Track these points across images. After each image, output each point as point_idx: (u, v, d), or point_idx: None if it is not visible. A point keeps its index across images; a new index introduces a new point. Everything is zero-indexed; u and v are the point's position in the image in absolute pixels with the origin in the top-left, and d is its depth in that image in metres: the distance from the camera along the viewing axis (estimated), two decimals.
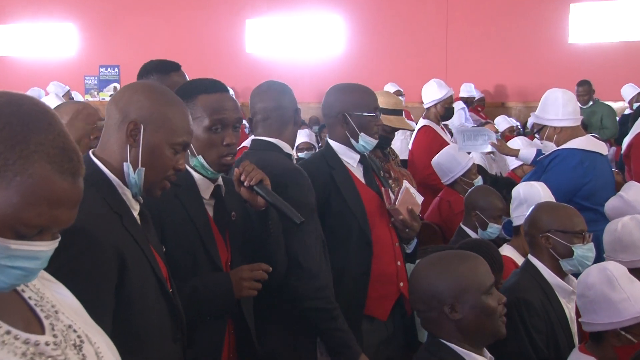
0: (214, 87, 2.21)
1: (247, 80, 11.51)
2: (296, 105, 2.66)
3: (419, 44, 10.39)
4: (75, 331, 1.23)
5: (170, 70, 2.98)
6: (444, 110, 5.65)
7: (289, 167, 2.51)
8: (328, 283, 2.53)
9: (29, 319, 1.18)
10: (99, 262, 1.64)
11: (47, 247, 1.12)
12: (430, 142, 5.44)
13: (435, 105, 5.63)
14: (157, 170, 1.79)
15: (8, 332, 1.11)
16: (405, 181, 3.04)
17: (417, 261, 2.26)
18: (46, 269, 1.18)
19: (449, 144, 5.40)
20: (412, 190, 2.91)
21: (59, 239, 1.14)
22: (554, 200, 3.35)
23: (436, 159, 4.80)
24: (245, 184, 2.16)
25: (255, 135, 2.64)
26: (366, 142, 2.82)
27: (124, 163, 1.78)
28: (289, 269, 2.34)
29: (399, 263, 2.84)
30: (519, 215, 3.42)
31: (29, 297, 1.21)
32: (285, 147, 2.58)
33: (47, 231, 1.11)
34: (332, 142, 2.88)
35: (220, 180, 2.22)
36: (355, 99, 2.84)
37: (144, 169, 1.77)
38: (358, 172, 2.87)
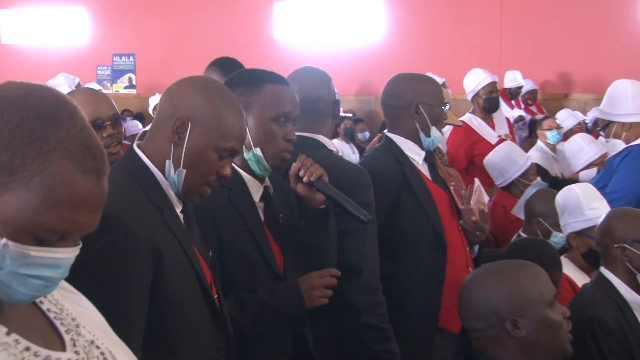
0: (280, 79, 2.27)
1: (276, 70, 11.51)
2: (336, 96, 2.67)
3: (468, 29, 10.31)
4: (98, 347, 1.24)
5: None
6: (484, 102, 5.61)
7: (347, 167, 2.52)
8: (384, 300, 2.52)
9: (48, 334, 1.19)
10: (132, 255, 1.68)
11: (68, 255, 1.13)
12: (461, 139, 5.44)
13: (474, 96, 5.62)
14: (198, 173, 1.83)
15: (27, 349, 1.12)
16: (476, 179, 3.06)
17: (472, 272, 2.25)
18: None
19: (487, 141, 5.38)
20: (482, 189, 2.93)
21: (80, 246, 1.15)
22: (601, 202, 3.30)
23: (490, 158, 4.77)
24: (304, 179, 2.19)
25: None
26: (436, 136, 2.85)
27: (166, 160, 1.83)
28: (344, 276, 2.36)
29: (470, 269, 2.85)
30: (564, 224, 3.38)
31: (48, 310, 1.23)
32: (328, 143, 2.59)
33: (69, 237, 1.12)
34: (394, 137, 2.89)
35: (267, 181, 2.26)
36: (429, 89, 2.88)
37: (185, 170, 1.82)
38: (424, 169, 2.89)
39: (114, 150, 2.65)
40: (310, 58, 10.37)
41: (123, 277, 1.66)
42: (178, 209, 1.86)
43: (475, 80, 5.59)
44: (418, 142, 2.86)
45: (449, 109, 4.17)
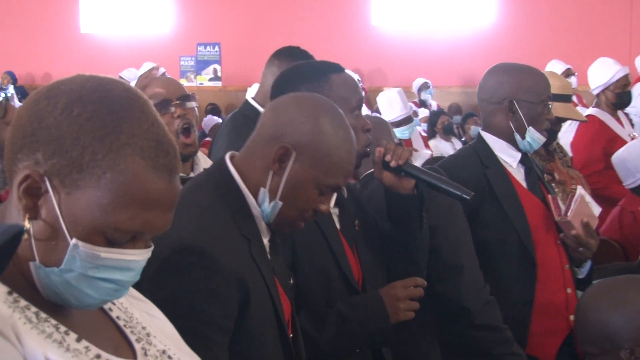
0: (339, 67, 2.26)
1: (373, 60, 11.50)
2: None
3: (592, 11, 10.05)
4: (170, 357, 1.27)
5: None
6: (615, 97, 5.46)
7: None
8: (493, 299, 2.51)
9: (118, 342, 1.23)
10: (218, 295, 1.68)
11: (140, 257, 1.16)
12: (593, 136, 5.28)
13: (603, 90, 5.47)
14: (295, 208, 1.81)
15: (98, 357, 1.15)
16: (579, 187, 2.95)
17: (590, 286, 2.20)
18: (149, 296, 1.22)
19: (623, 138, 5.21)
20: (588, 198, 2.83)
21: (152, 248, 1.18)
22: None
23: (619, 155, 4.62)
24: (392, 164, 2.15)
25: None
26: (534, 139, 2.77)
27: (262, 188, 1.80)
28: (444, 276, 2.33)
29: (569, 290, 2.77)
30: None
31: (117, 317, 1.26)
32: None
33: (140, 237, 1.15)
34: (486, 135, 2.84)
35: None
36: (528, 84, 2.79)
37: (281, 203, 1.79)
38: (518, 174, 2.82)
39: (189, 140, 2.66)
40: (411, 46, 10.34)
41: (210, 317, 1.66)
42: (265, 238, 1.85)
43: (607, 73, 5.44)
44: (513, 142, 2.81)
45: (574, 100, 4.11)
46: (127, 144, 1.12)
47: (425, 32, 10.74)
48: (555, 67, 8.65)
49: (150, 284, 1.27)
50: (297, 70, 2.28)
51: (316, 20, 11.01)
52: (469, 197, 2.14)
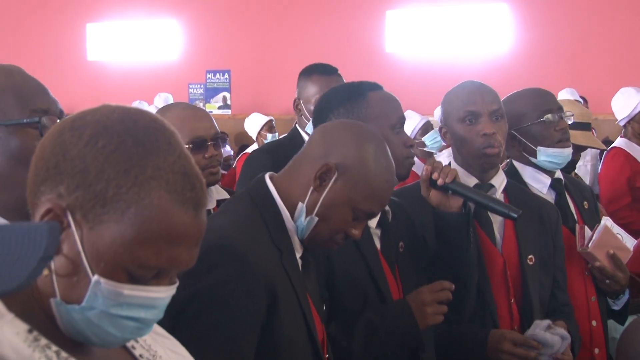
0: (378, 85, 2.38)
1: (387, 87, 11.50)
2: None
3: (611, 37, 10.06)
4: None
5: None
6: None
7: None
8: None
9: None
10: (250, 293, 1.73)
11: (164, 294, 1.15)
12: (620, 169, 5.26)
13: (629, 121, 5.46)
14: (328, 227, 1.88)
15: None
16: (605, 218, 2.96)
17: (630, 322, 2.18)
18: (176, 295, 1.22)
19: None
20: (617, 229, 2.82)
21: (177, 284, 1.18)
22: None
23: None
24: (439, 182, 2.22)
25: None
26: (548, 155, 2.78)
27: (300, 202, 1.87)
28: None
29: (594, 323, 2.76)
30: None
31: (140, 355, 1.26)
32: None
33: (165, 274, 1.15)
34: (516, 164, 2.87)
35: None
36: (520, 109, 2.85)
37: (317, 219, 1.86)
38: (548, 200, 2.82)
39: (214, 170, 2.67)
40: (426, 73, 10.34)
41: (237, 314, 1.72)
42: (298, 254, 1.90)
43: (630, 104, 5.43)
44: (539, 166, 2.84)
45: (591, 129, 4.10)
46: (152, 177, 1.12)
47: (439, 59, 10.75)
48: (565, 95, 8.65)
49: (184, 279, 1.30)
50: (335, 92, 2.36)
51: (329, 48, 11.01)
52: (516, 215, 2.19)
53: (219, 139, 2.72)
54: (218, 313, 1.69)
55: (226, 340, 1.67)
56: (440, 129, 2.67)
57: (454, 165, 2.57)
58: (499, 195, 2.60)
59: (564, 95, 8.77)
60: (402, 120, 2.30)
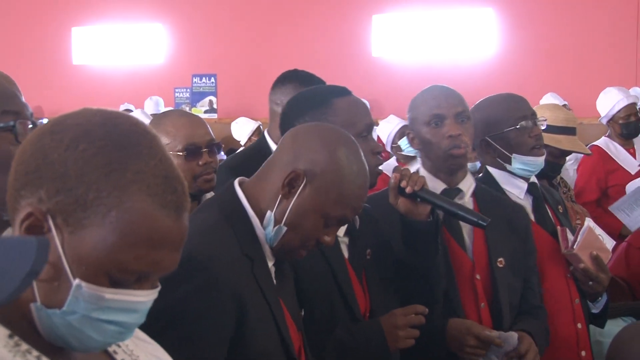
0: (345, 90, 2.33)
1: (375, 92, 11.52)
2: None
3: (596, 42, 10.11)
4: None
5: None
6: (620, 127, 5.51)
7: None
8: None
9: None
10: (215, 307, 1.71)
11: (146, 298, 1.15)
12: (593, 166, 5.33)
13: (609, 121, 5.53)
14: (298, 235, 1.84)
15: None
16: (588, 219, 2.98)
17: (623, 327, 2.18)
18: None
19: (626, 170, 5.25)
20: (599, 231, 2.84)
21: (159, 288, 1.18)
22: None
23: (631, 186, 4.63)
24: (407, 190, 2.20)
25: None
26: (523, 162, 2.80)
27: (268, 211, 1.84)
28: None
29: (579, 325, 2.78)
30: None
31: None
32: None
33: (146, 278, 1.15)
34: (491, 170, 2.88)
35: None
36: (494, 116, 2.84)
37: (285, 229, 1.82)
38: (526, 205, 2.84)
39: (209, 177, 2.67)
40: (413, 76, 10.33)
41: (203, 328, 1.69)
42: (270, 262, 1.87)
43: (609, 103, 5.49)
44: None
45: (576, 134, 4.12)
46: (133, 181, 1.12)
47: (426, 62, 10.77)
48: (549, 99, 8.69)
49: None
50: (300, 99, 2.32)
51: (315, 52, 11.03)
52: (485, 224, 2.18)
53: (214, 146, 2.71)
54: (183, 328, 1.66)
55: (193, 355, 1.64)
56: (408, 134, 2.67)
57: (422, 171, 2.58)
58: (467, 199, 2.61)
59: (548, 99, 8.81)
60: (370, 126, 2.27)
